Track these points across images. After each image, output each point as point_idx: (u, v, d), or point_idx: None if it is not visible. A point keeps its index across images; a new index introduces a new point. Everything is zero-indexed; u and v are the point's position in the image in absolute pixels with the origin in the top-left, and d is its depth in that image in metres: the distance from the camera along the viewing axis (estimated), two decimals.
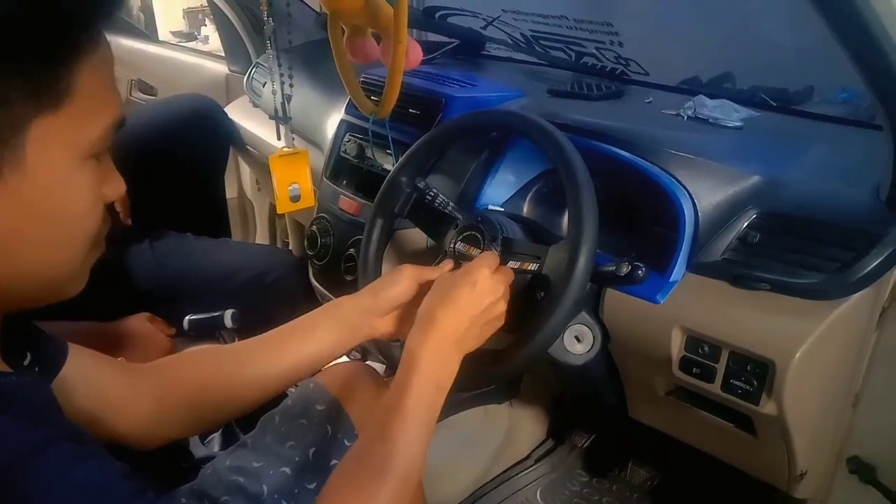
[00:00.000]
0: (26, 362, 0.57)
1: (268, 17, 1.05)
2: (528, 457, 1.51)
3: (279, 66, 1.16)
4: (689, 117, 1.01)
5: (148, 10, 3.39)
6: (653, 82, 1.26)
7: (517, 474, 1.48)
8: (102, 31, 0.46)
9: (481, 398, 1.49)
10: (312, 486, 0.81)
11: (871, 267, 0.77)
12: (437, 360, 0.69)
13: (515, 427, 1.52)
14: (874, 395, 0.92)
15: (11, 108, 0.41)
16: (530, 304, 0.89)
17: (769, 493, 1.09)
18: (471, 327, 0.72)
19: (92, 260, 0.51)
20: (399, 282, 0.84)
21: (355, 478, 0.61)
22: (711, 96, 1.03)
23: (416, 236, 1.12)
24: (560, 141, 0.80)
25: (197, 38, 2.94)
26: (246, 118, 1.77)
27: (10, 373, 0.47)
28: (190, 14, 3.10)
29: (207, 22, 2.92)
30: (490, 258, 0.78)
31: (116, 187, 0.51)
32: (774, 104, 1.11)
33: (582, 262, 0.74)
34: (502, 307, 0.76)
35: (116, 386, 0.70)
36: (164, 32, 3.07)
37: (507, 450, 1.50)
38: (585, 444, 1.49)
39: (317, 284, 1.30)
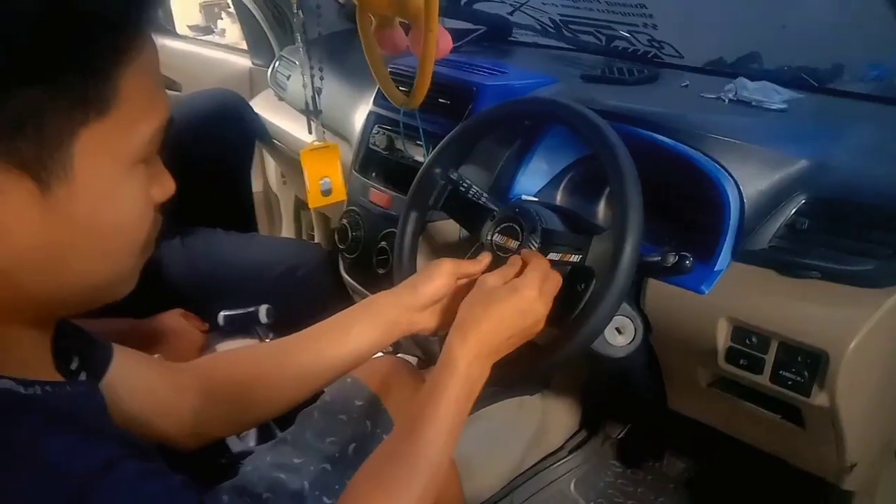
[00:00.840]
0: (74, 366, 0.56)
1: (298, 8, 1.03)
2: (561, 448, 1.50)
3: (309, 57, 1.15)
4: (730, 100, 0.98)
5: (165, 5, 3.40)
6: (687, 65, 1.22)
7: (550, 465, 1.46)
8: (146, 31, 0.44)
9: (514, 390, 1.47)
10: None
11: None
12: (474, 364, 0.68)
13: (548, 418, 1.50)
14: None
15: (58, 121, 0.39)
16: (571, 296, 0.88)
17: (813, 484, 1.07)
18: (510, 339, 0.72)
19: (143, 262, 0.50)
20: (437, 276, 0.82)
21: (383, 474, 0.61)
22: (751, 78, 1.00)
23: (448, 228, 1.11)
24: (602, 128, 0.78)
25: (214, 32, 2.94)
26: (271, 112, 1.76)
27: (64, 382, 0.46)
28: (206, 7, 3.09)
29: (224, 15, 2.92)
30: (540, 270, 0.76)
31: (166, 188, 0.50)
32: (815, 84, 1.08)
33: (628, 252, 0.72)
34: (542, 323, 0.76)
35: (160, 387, 0.70)
36: (180, 26, 3.07)
37: (539, 441, 1.48)
38: (620, 435, 1.48)
39: (348, 278, 1.30)
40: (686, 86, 1.13)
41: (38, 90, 0.38)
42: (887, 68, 1.18)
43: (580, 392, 1.53)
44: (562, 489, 1.43)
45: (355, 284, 1.27)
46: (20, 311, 0.44)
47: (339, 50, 1.51)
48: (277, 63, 1.76)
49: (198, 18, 3.08)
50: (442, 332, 0.87)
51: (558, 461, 1.47)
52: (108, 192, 0.43)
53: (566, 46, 1.42)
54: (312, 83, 1.14)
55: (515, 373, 0.84)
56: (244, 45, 2.09)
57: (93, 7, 0.39)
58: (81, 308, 0.48)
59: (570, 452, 1.49)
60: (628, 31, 1.21)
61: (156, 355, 0.87)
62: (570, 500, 1.41)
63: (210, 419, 0.75)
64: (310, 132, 1.18)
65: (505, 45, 1.54)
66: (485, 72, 1.19)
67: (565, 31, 1.33)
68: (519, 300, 0.72)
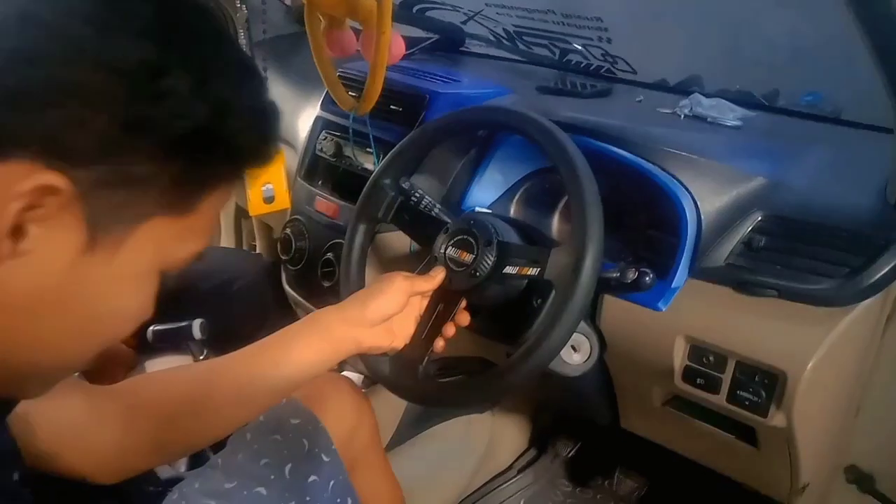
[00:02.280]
0: None
1: (241, 3, 0.98)
2: (510, 467, 1.46)
3: (252, 57, 1.08)
4: (685, 116, 0.98)
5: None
6: (640, 81, 1.22)
7: (499, 486, 1.43)
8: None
9: (462, 408, 1.43)
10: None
11: (882, 273, 0.74)
12: (326, 341, 0.74)
13: (497, 437, 1.46)
14: (875, 405, 0.90)
15: (147, 197, 0.40)
16: (527, 312, 0.84)
17: (764, 503, 1.07)
18: (384, 328, 0.78)
19: (86, 363, 0.47)
20: (389, 292, 0.78)
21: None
22: (707, 95, 1.00)
23: (398, 240, 1.06)
24: (560, 138, 0.75)
25: None
26: None
27: None
28: None
29: None
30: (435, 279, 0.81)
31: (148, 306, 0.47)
32: (766, 104, 1.08)
33: (589, 265, 0.69)
34: (407, 325, 0.82)
35: (78, 416, 0.64)
36: None
37: (488, 461, 1.44)
38: (570, 453, 1.45)
39: (291, 291, 1.23)
40: (640, 101, 1.13)
41: (156, 169, 0.39)
42: (820, 95, 1.21)
43: (530, 410, 1.50)
44: None
45: (298, 298, 1.21)
46: None
47: (285, 52, 1.45)
48: None
49: None
50: (391, 350, 0.82)
51: (507, 481, 1.43)
52: (131, 280, 0.43)
53: (519, 59, 1.40)
54: None
55: (470, 394, 0.80)
56: None
57: (246, 144, 0.43)
58: (23, 381, 0.44)
59: (519, 472, 1.46)
60: (582, 45, 1.20)
61: (75, 374, 0.79)
62: None
63: (134, 451, 0.68)
64: None
65: (457, 54, 1.51)
66: (438, 79, 1.16)
67: (519, 43, 1.31)
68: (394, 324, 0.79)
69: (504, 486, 1.42)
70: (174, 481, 0.80)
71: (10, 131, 0.35)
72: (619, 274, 0.76)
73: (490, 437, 1.45)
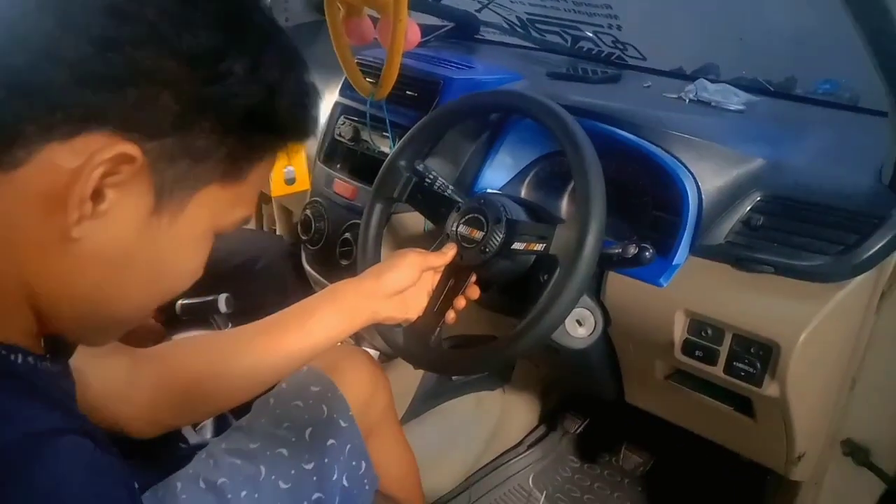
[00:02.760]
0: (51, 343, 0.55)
1: None
2: (520, 443, 1.51)
3: None
4: (690, 100, 1.01)
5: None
6: (649, 67, 1.25)
7: (509, 461, 1.48)
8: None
9: (473, 385, 1.48)
10: (310, 466, 0.81)
11: (874, 249, 0.77)
12: (343, 311, 0.79)
13: (507, 414, 1.51)
14: (871, 379, 0.93)
15: (203, 167, 0.45)
16: (534, 286, 0.88)
17: (763, 475, 1.10)
18: (398, 299, 0.83)
19: (138, 321, 0.52)
20: (403, 266, 0.82)
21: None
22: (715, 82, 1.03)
23: (413, 220, 1.10)
24: (566, 120, 0.79)
25: None
26: None
27: (47, 357, 0.45)
28: None
29: None
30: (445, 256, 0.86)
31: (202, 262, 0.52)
32: (772, 89, 1.11)
33: (591, 239, 0.73)
34: (425, 288, 0.87)
35: (118, 373, 0.70)
36: None
37: (499, 436, 1.49)
38: (578, 430, 1.50)
39: (310, 270, 1.28)
40: (648, 86, 1.16)
41: (214, 141, 0.44)
42: (837, 83, 1.23)
43: (540, 388, 1.54)
44: (520, 483, 1.45)
45: (317, 276, 1.26)
46: (29, 303, 0.44)
47: (306, 41, 1.50)
48: None
49: None
50: (405, 321, 0.87)
51: (517, 456, 1.48)
52: (191, 242, 0.48)
53: (532, 46, 1.43)
54: None
55: (477, 362, 0.84)
56: None
57: (291, 121, 0.48)
58: (70, 332, 0.49)
59: (529, 448, 1.51)
60: (593, 32, 1.23)
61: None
62: (528, 494, 1.42)
63: (165, 407, 0.74)
64: None
65: (472, 42, 1.55)
66: (452, 66, 1.20)
67: (532, 31, 1.34)
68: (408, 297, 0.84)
69: (513, 460, 1.47)
70: (201, 446, 0.86)
71: (95, 108, 0.40)
72: (620, 250, 0.80)
73: (500, 414, 1.50)
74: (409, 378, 1.34)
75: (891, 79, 0.71)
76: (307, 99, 0.49)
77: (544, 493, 1.40)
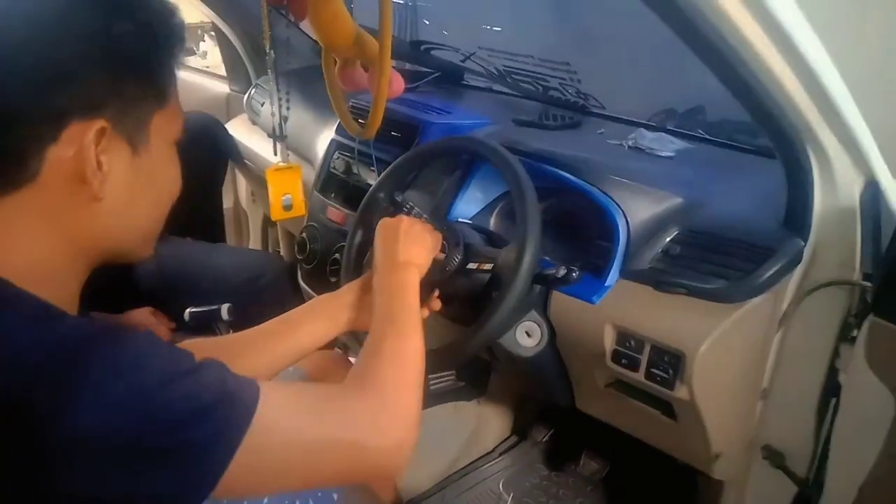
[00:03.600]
0: None
1: (270, 48, 1.20)
2: (493, 451, 1.65)
3: (278, 89, 1.31)
4: (629, 147, 1.18)
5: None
6: (609, 114, 1.42)
7: (482, 466, 1.61)
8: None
9: (451, 395, 1.63)
10: None
11: (766, 276, 0.92)
12: (388, 278, 0.87)
13: (482, 423, 1.66)
14: (783, 390, 1.07)
15: (146, 106, 0.60)
16: (487, 301, 1.04)
17: (695, 478, 1.24)
18: (402, 245, 0.91)
19: (160, 227, 0.68)
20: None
21: (381, 344, 0.74)
22: (651, 129, 1.20)
23: None
24: (510, 161, 0.96)
25: (196, 54, 3.09)
26: (245, 134, 1.92)
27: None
28: (189, 29, 3.23)
29: (206, 38, 3.05)
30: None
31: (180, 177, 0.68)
32: (707, 136, 1.28)
33: (527, 259, 0.89)
34: (415, 226, 0.95)
35: None
36: None
37: (474, 444, 1.63)
38: (544, 439, 1.64)
39: (305, 286, 1.45)
40: (602, 133, 1.33)
41: (145, 86, 0.59)
42: None
43: (513, 401, 1.69)
44: (491, 487, 1.58)
45: (311, 292, 1.42)
46: (88, 254, 0.61)
47: (310, 82, 1.68)
48: (253, 90, 1.92)
49: None
50: None
51: (489, 462, 1.62)
52: (165, 159, 0.64)
53: (510, 92, 1.61)
54: (280, 111, 1.30)
55: (437, 360, 0.99)
56: (223, 70, 2.26)
57: (178, 45, 0.62)
58: (124, 253, 0.65)
59: (501, 455, 1.64)
60: (559, 84, 1.40)
61: None
62: (497, 497, 1.56)
63: None
64: (275, 154, 1.33)
65: (459, 87, 1.73)
66: (433, 111, 1.37)
67: (508, 80, 1.52)
68: (381, 227, 0.95)
69: (486, 466, 1.61)
70: None
71: (63, 109, 0.54)
72: (554, 271, 0.96)
73: (476, 423, 1.64)
74: None
75: (769, 135, 0.87)
76: (172, 16, 0.62)
77: (511, 495, 1.54)
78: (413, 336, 0.77)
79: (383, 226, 0.96)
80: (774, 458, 1.12)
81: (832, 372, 1.02)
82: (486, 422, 1.66)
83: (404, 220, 0.95)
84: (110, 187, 0.58)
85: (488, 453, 1.64)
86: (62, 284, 0.59)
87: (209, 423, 0.51)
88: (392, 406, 0.65)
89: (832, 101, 0.82)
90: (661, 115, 1.56)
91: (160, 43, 0.61)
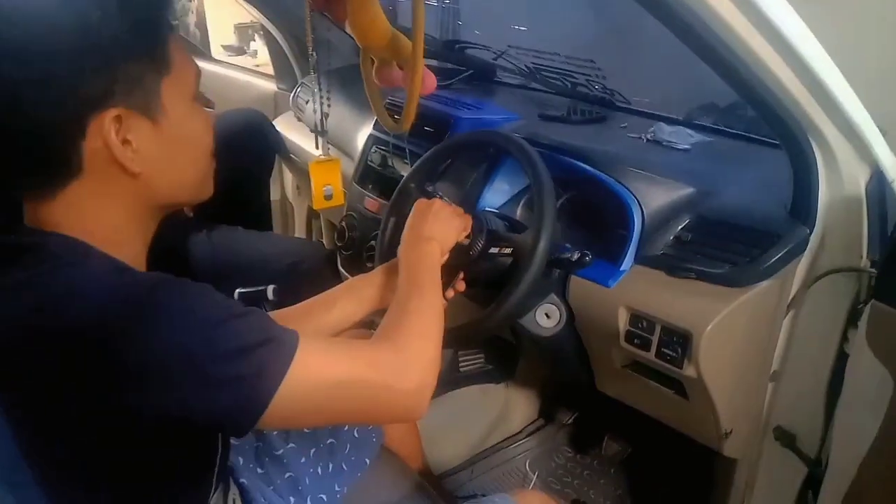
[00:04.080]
0: None
1: (312, 51, 1.30)
2: (520, 432, 1.73)
3: (319, 88, 1.41)
4: (647, 140, 1.23)
5: (202, 27, 3.71)
6: (631, 108, 1.48)
7: (509, 446, 1.69)
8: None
9: (481, 378, 1.71)
10: None
11: (772, 260, 0.98)
12: (411, 251, 0.95)
13: (510, 406, 1.74)
14: (793, 373, 1.12)
15: (152, 79, 0.66)
16: (508, 283, 1.12)
17: (711, 458, 1.29)
18: (429, 223, 0.98)
19: (212, 169, 0.77)
20: None
21: (401, 309, 0.82)
22: (670, 122, 1.25)
23: None
24: (529, 153, 1.04)
25: (246, 52, 3.22)
26: (291, 130, 2.04)
27: None
28: (240, 29, 3.34)
29: (256, 37, 3.18)
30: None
31: (209, 117, 0.75)
32: (723, 128, 1.33)
33: (542, 243, 0.96)
34: (446, 209, 1.03)
35: None
36: (215, 46, 3.31)
37: (501, 425, 1.71)
38: (568, 421, 1.70)
39: (343, 271, 1.55)
40: (625, 126, 1.39)
41: (143, 63, 0.65)
42: None
43: (539, 385, 1.76)
44: (518, 466, 1.66)
45: (349, 276, 1.52)
46: (151, 212, 0.70)
47: (350, 81, 1.78)
48: (299, 89, 2.04)
49: (232, 39, 3.34)
50: None
51: (516, 442, 1.70)
52: (185, 116, 0.70)
53: (541, 88, 1.68)
54: (322, 108, 1.40)
55: (460, 336, 1.08)
56: (272, 68, 2.38)
57: (164, 18, 0.68)
58: (182, 203, 0.74)
59: (528, 436, 1.72)
60: (585, 80, 1.47)
61: None
62: (524, 476, 1.64)
63: None
64: (317, 148, 1.43)
65: (491, 84, 1.81)
66: (464, 107, 1.46)
67: (538, 76, 1.59)
68: (436, 211, 1.01)
69: (513, 446, 1.69)
70: None
71: (81, 107, 0.61)
72: (570, 255, 1.03)
73: (503, 405, 1.72)
74: None
75: (774, 127, 0.93)
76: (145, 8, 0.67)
77: (537, 474, 1.61)
78: (432, 294, 0.86)
79: (417, 205, 1.04)
80: (785, 438, 1.17)
81: (841, 356, 1.06)
82: (514, 404, 1.74)
83: (436, 203, 1.03)
84: (144, 159, 0.66)
85: (515, 434, 1.72)
86: (131, 245, 0.70)
87: (255, 360, 0.60)
88: (414, 354, 0.74)
89: (832, 96, 0.87)
90: (701, 109, 1.61)
91: (147, 21, 0.65)
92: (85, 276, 0.60)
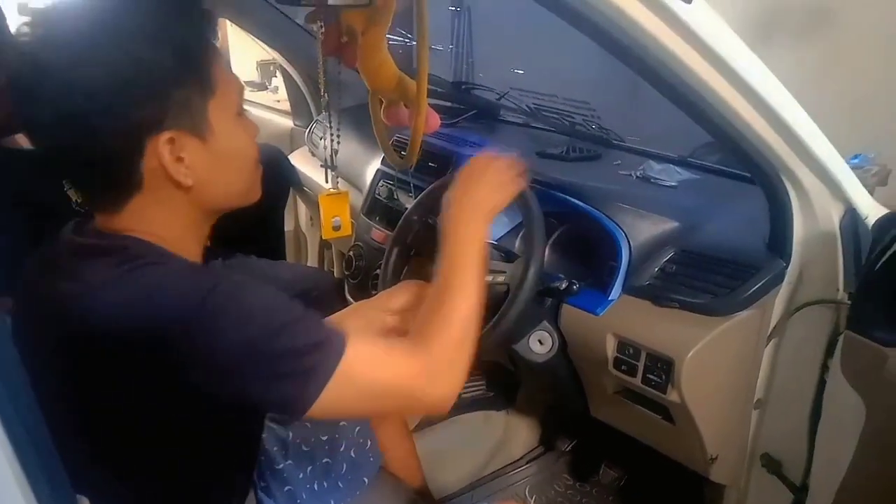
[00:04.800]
0: None
1: (324, 93, 1.40)
2: (520, 458, 1.77)
3: (330, 126, 1.50)
4: (637, 177, 1.31)
5: (227, 64, 3.86)
6: (631, 147, 1.55)
7: (510, 472, 1.73)
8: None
9: (482, 404, 1.76)
10: (325, 437, 1.12)
11: (750, 291, 1.04)
12: (464, 226, 0.94)
13: (511, 433, 1.78)
14: (776, 402, 1.16)
15: (199, 101, 0.73)
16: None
17: (701, 484, 1.33)
18: (487, 191, 0.97)
19: (258, 175, 0.85)
20: (405, 291, 1.13)
21: (441, 304, 0.85)
22: (659, 160, 1.32)
23: (430, 263, 1.43)
24: (524, 194, 1.11)
25: (267, 88, 3.35)
26: (305, 164, 2.14)
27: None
28: (262, 66, 3.48)
29: (278, 74, 3.30)
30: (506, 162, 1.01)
31: (254, 127, 0.83)
32: (709, 166, 1.40)
33: (531, 272, 1.03)
34: (509, 172, 0.99)
35: None
36: None
37: (502, 451, 1.75)
38: (567, 449, 1.74)
39: (350, 299, 1.62)
40: (618, 164, 1.46)
41: (191, 89, 0.72)
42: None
43: (540, 412, 1.80)
44: (517, 492, 1.70)
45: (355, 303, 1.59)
46: (206, 216, 0.80)
47: (361, 119, 1.88)
48: (314, 126, 2.14)
49: (254, 75, 3.48)
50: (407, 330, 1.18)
51: (516, 469, 1.74)
52: (231, 132, 0.77)
53: (541, 126, 1.77)
54: (332, 145, 1.49)
55: None
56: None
57: (207, 46, 0.76)
58: (233, 207, 0.82)
59: (528, 463, 1.76)
60: (582, 120, 1.55)
61: None
62: (523, 501, 1.67)
63: None
64: (326, 181, 1.52)
65: (496, 122, 1.90)
66: (467, 144, 1.54)
67: (539, 116, 1.68)
68: (494, 174, 0.99)
69: (513, 472, 1.72)
70: None
71: (140, 132, 0.70)
72: (558, 284, 1.09)
73: (504, 432, 1.77)
74: None
75: (749, 169, 1.00)
76: (193, 18, 0.75)
77: (536, 499, 1.65)
78: (470, 297, 0.86)
79: (475, 161, 1.00)
80: (772, 465, 1.21)
81: (822, 385, 1.11)
82: (515, 431, 1.78)
83: (500, 160, 0.99)
84: (196, 174, 0.74)
85: (516, 461, 1.76)
86: (191, 246, 0.79)
87: (307, 361, 0.69)
88: (448, 364, 0.81)
89: (803, 142, 0.94)
90: (702, 148, 1.68)
91: (192, 52, 0.72)
92: (168, 273, 0.70)
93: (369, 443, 1.17)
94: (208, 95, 0.74)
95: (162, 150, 0.71)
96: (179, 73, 0.71)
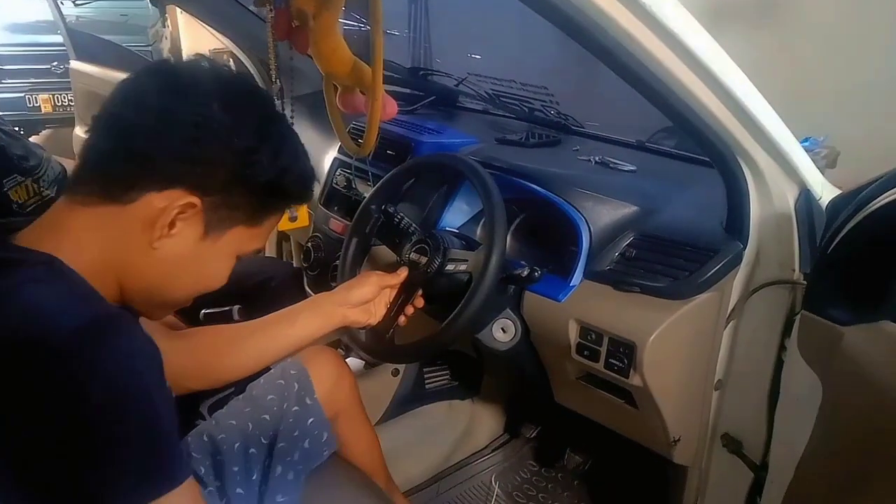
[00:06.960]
0: None
1: (276, 79, 1.35)
2: (485, 447, 1.76)
3: (283, 112, 1.46)
4: (595, 162, 1.30)
5: (177, 53, 3.74)
6: (585, 131, 1.55)
7: (475, 461, 1.73)
8: None
9: (446, 394, 1.75)
10: (281, 426, 1.06)
11: (709, 274, 1.04)
12: (320, 314, 1.06)
13: (475, 421, 1.77)
14: (735, 383, 1.18)
15: (237, 215, 0.73)
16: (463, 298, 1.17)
17: (664, 466, 1.34)
18: (356, 313, 1.09)
19: (187, 303, 0.80)
20: (366, 283, 1.11)
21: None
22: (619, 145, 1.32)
23: (388, 252, 1.40)
24: (482, 175, 1.09)
25: None
26: None
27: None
28: (215, 55, 3.37)
29: (231, 63, 3.21)
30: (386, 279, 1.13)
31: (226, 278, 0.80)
32: (667, 150, 1.40)
33: (493, 260, 1.01)
34: (380, 308, 1.12)
35: (162, 344, 0.97)
36: None
37: (467, 440, 1.75)
38: (532, 435, 1.74)
39: (309, 291, 1.59)
40: (576, 150, 1.45)
41: (245, 202, 0.73)
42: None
43: (504, 400, 1.80)
44: (483, 481, 1.69)
45: (314, 295, 1.56)
46: (123, 282, 0.73)
47: (317, 106, 1.83)
48: None
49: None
50: (368, 325, 1.15)
51: (482, 457, 1.73)
52: (222, 260, 0.76)
53: (500, 113, 1.75)
54: None
55: (417, 350, 1.12)
56: None
57: (295, 190, 0.78)
58: (144, 305, 0.76)
59: (493, 451, 1.76)
60: (541, 105, 1.54)
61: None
62: (489, 490, 1.67)
63: (191, 374, 1.01)
64: None
65: (454, 109, 1.88)
66: (425, 131, 1.51)
67: (497, 101, 1.66)
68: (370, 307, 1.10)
69: (478, 461, 1.72)
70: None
71: (179, 174, 0.69)
72: (520, 271, 1.08)
73: (469, 421, 1.76)
74: (387, 384, 1.62)
75: (706, 150, 1.00)
76: (306, 179, 0.79)
77: (498, 484, 1.65)
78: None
79: (371, 280, 1.11)
80: (732, 445, 1.22)
81: (780, 365, 1.12)
82: (479, 420, 1.78)
83: (384, 293, 1.12)
84: (167, 246, 0.70)
85: (481, 450, 1.75)
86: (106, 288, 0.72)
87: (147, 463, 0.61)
88: None
89: (758, 123, 0.94)
90: (661, 133, 1.68)
91: (281, 185, 0.74)
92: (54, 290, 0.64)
93: (325, 435, 1.13)
94: (250, 223, 0.74)
95: (175, 203, 0.68)
96: (258, 188, 0.72)
